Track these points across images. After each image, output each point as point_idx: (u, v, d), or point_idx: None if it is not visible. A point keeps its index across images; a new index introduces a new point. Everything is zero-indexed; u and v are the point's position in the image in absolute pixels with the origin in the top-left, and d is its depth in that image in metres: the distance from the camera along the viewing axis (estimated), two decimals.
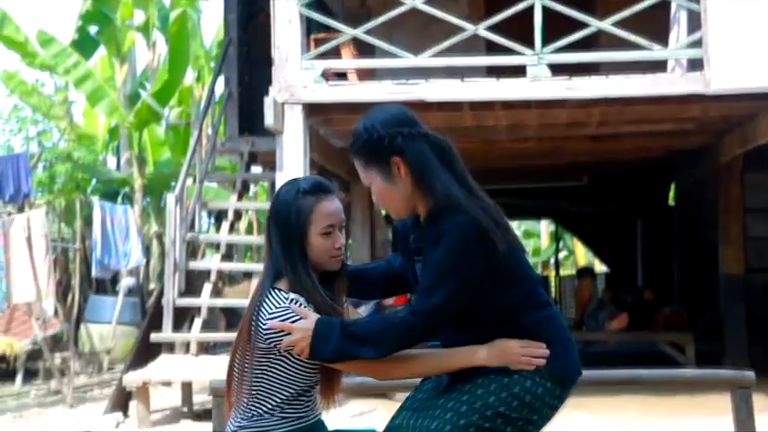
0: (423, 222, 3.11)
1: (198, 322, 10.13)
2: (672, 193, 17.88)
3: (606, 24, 8.48)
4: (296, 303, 3.07)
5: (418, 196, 3.07)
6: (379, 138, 3.04)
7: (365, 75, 9.58)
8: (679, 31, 8.75)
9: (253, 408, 3.15)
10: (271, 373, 3.13)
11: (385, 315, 3.14)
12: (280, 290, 3.11)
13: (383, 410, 9.14)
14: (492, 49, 9.36)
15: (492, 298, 3.02)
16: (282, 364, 3.11)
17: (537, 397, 3.00)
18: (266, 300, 3.10)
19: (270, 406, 3.14)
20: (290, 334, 3.02)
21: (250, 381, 3.13)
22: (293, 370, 3.12)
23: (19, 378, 12.79)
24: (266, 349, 3.09)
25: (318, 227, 3.10)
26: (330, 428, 3.29)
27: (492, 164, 13.92)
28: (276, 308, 3.06)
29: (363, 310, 5.63)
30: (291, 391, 3.15)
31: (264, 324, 3.06)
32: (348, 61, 9.16)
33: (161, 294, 10.42)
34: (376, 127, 3.06)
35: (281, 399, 3.14)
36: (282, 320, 3.04)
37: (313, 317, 3.04)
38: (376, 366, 3.08)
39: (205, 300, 10.30)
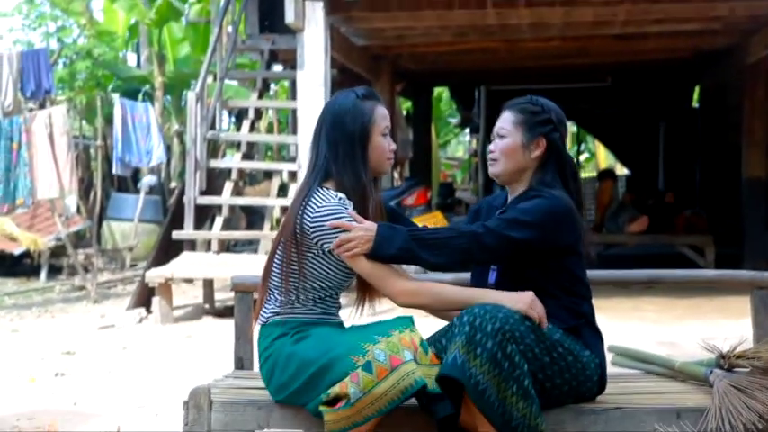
0: (515, 197, 3.45)
1: (219, 221, 10.19)
2: (696, 96, 17.67)
3: None
4: (343, 203, 3.22)
5: (528, 175, 3.43)
6: (549, 120, 3.43)
7: None
8: None
9: (287, 297, 3.29)
10: (309, 269, 3.28)
11: (453, 226, 3.39)
12: (328, 188, 3.27)
13: (401, 311, 9.23)
14: None
15: (558, 276, 3.32)
16: (322, 261, 3.27)
17: (585, 365, 3.26)
18: (314, 196, 3.24)
19: (304, 296, 3.29)
20: (345, 231, 3.19)
21: (294, 271, 3.27)
22: (330, 268, 3.28)
23: (43, 274, 12.96)
24: (308, 245, 3.24)
25: (380, 128, 3.33)
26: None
27: (515, 64, 13.80)
28: (325, 203, 3.21)
29: None
30: (325, 286, 3.31)
31: (311, 220, 3.21)
32: None
33: (182, 193, 10.46)
34: (551, 112, 3.46)
35: (314, 293, 3.30)
36: (335, 218, 3.18)
37: (371, 223, 3.21)
38: (411, 288, 3.27)
39: (226, 198, 10.34)
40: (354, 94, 3.35)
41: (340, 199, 3.23)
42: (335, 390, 3.06)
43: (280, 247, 3.32)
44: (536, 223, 3.22)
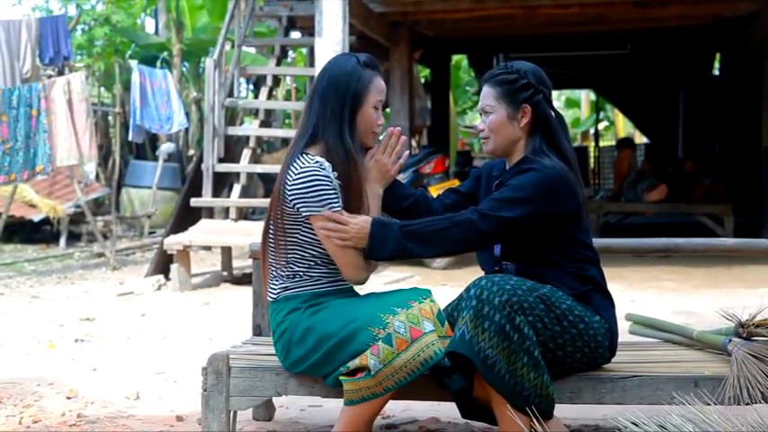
0: (510, 166, 3.43)
1: (237, 188, 10.20)
2: (717, 63, 17.52)
3: None
4: (320, 166, 3.18)
5: (521, 145, 3.41)
6: (528, 85, 3.38)
7: None
8: None
9: (291, 269, 3.28)
10: (301, 235, 3.26)
11: (446, 215, 3.30)
12: (308, 154, 3.23)
13: (419, 278, 9.24)
14: None
15: (563, 244, 3.31)
16: (308, 227, 3.24)
17: (596, 332, 3.26)
18: (295, 162, 3.22)
19: (307, 266, 3.27)
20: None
21: (285, 243, 3.26)
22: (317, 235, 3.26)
23: (62, 241, 13.03)
24: (291, 212, 3.23)
25: (374, 99, 3.29)
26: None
27: (533, 31, 13.71)
28: (301, 168, 3.19)
29: (402, 178, 5.63)
30: (322, 254, 3.27)
31: (290, 185, 3.20)
32: None
33: (200, 160, 10.47)
34: (528, 75, 3.40)
35: (315, 259, 3.28)
36: (307, 182, 3.17)
37: (363, 218, 3.20)
38: (360, 276, 3.28)
39: (244, 166, 10.34)
40: (356, 59, 3.33)
41: (317, 163, 3.20)
42: (356, 362, 3.07)
43: (272, 221, 3.31)
44: (529, 198, 3.20)
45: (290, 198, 3.20)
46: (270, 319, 3.37)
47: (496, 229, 3.20)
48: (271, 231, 3.31)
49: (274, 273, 3.33)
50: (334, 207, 3.19)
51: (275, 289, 3.33)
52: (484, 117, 3.45)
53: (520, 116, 3.38)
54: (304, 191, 3.17)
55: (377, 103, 3.31)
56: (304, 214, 3.20)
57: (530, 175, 3.25)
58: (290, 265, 3.27)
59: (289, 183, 3.20)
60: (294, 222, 3.24)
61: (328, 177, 3.19)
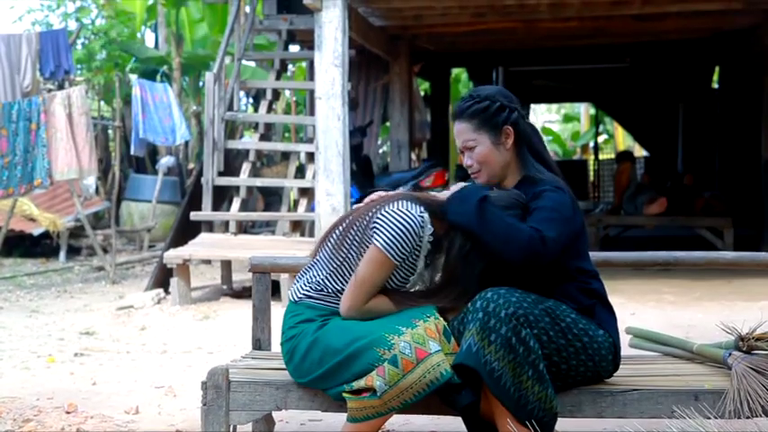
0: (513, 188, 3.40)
1: (236, 202, 10.20)
2: (716, 77, 17.55)
3: None
4: (422, 223, 3.20)
5: (514, 166, 3.40)
6: (502, 107, 3.37)
7: None
8: None
9: (324, 281, 3.29)
10: (357, 255, 3.25)
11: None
12: (426, 210, 3.24)
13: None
14: None
15: (571, 258, 3.32)
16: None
17: (600, 345, 3.27)
18: (410, 201, 3.24)
19: (339, 285, 3.28)
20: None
21: (340, 252, 3.27)
22: None
23: (62, 254, 13.02)
24: (364, 238, 3.22)
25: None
26: None
27: (533, 44, 13.75)
28: (408, 210, 3.20)
29: (401, 190, 5.61)
30: None
31: (383, 211, 3.20)
32: None
33: (200, 174, 10.47)
34: (498, 97, 3.39)
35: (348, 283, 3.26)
36: (400, 223, 3.16)
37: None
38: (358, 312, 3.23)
39: (243, 179, 10.35)
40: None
41: (422, 219, 3.20)
42: (361, 383, 3.07)
43: (341, 228, 3.31)
44: (565, 217, 3.23)
45: (376, 219, 3.21)
46: (284, 317, 3.37)
47: (554, 252, 3.16)
48: (337, 234, 3.32)
49: (309, 272, 3.35)
50: (395, 258, 3.18)
51: (301, 290, 3.34)
52: (468, 153, 3.41)
53: (504, 139, 3.37)
54: (389, 225, 3.17)
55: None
56: (372, 240, 3.19)
57: (551, 195, 3.26)
58: (328, 276, 3.29)
59: (386, 209, 3.21)
60: (362, 240, 3.24)
61: (418, 237, 3.20)
